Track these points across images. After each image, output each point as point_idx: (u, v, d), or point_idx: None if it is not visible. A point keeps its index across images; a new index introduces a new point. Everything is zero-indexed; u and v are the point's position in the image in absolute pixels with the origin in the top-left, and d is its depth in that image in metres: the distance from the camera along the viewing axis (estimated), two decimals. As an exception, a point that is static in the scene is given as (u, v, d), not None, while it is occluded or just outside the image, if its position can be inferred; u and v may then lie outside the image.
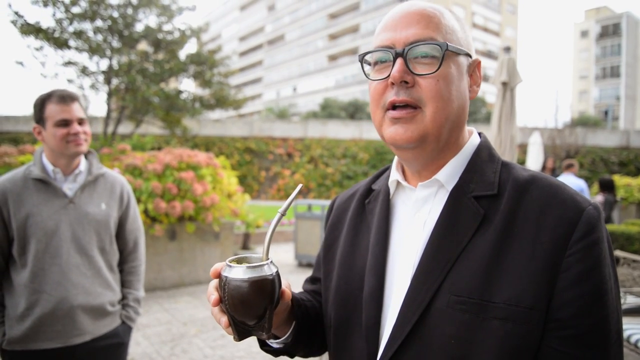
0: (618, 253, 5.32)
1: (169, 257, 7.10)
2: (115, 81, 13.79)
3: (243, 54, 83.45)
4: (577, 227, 0.86)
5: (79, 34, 12.86)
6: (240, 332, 0.95)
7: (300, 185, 0.99)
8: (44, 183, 2.15)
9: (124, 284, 2.44)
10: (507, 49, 7.01)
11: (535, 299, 0.84)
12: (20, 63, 12.96)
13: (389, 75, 0.94)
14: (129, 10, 13.67)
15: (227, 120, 27.98)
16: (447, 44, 0.93)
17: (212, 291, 0.94)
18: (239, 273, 0.88)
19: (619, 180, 15.20)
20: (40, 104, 2.13)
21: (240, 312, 0.90)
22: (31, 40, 12.56)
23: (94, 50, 12.98)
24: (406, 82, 0.93)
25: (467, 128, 1.09)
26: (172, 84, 15.40)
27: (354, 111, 41.43)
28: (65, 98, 2.12)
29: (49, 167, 2.19)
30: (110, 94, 13.81)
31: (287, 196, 23.09)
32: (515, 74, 6.79)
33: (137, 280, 2.49)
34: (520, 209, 0.91)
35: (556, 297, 0.85)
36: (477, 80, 1.05)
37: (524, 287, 0.85)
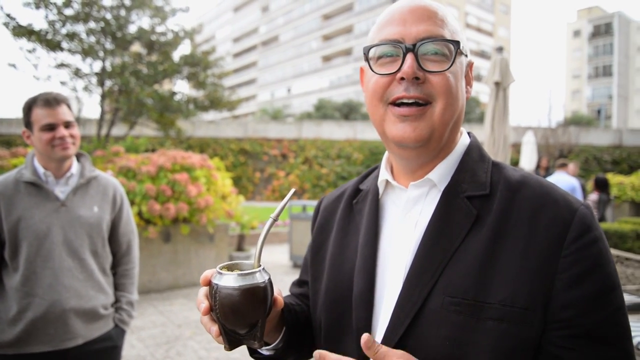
0: (611, 251, 5.35)
1: (164, 259, 7.07)
2: (108, 83, 13.73)
3: (237, 55, 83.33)
4: (571, 227, 0.86)
5: (71, 36, 12.80)
6: (232, 341, 0.92)
7: (293, 190, 0.97)
8: (36, 186, 2.14)
9: (117, 287, 2.42)
10: (500, 49, 7.04)
11: (530, 299, 0.84)
12: (13, 65, 12.87)
13: (398, 70, 0.93)
14: (122, 12, 13.61)
15: (222, 122, 27.92)
16: (459, 42, 0.93)
17: (202, 299, 0.92)
18: (229, 281, 0.86)
19: (612, 178, 15.28)
20: (27, 109, 2.11)
21: (231, 321, 0.87)
22: (24, 43, 12.50)
23: (87, 52, 12.92)
24: (417, 78, 0.92)
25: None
26: (166, 86, 15.35)
27: (348, 112, 41.44)
28: (51, 101, 2.09)
29: (40, 170, 2.17)
30: (103, 96, 13.75)
31: (282, 197, 23.05)
32: (508, 73, 6.82)
33: (131, 283, 2.47)
34: (512, 209, 0.91)
35: (557, 298, 0.84)
36: (470, 80, 1.06)
37: (518, 287, 0.84)
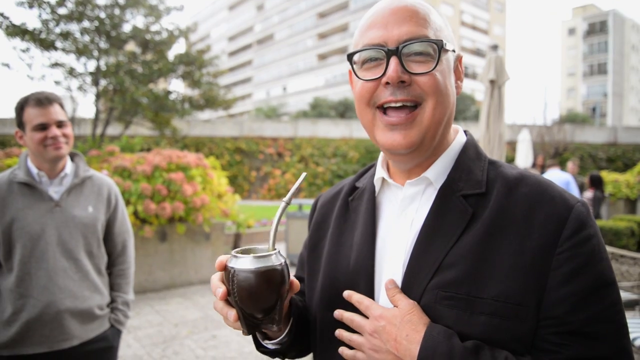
0: (606, 248, 5.37)
1: (160, 258, 7.05)
2: (103, 82, 13.68)
3: (232, 53, 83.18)
4: (566, 224, 0.86)
5: (65, 35, 12.75)
6: (250, 325, 0.91)
7: (304, 174, 0.96)
8: (29, 187, 2.12)
9: (112, 287, 2.41)
10: (495, 47, 7.05)
11: (523, 295, 0.84)
12: (7, 65, 12.80)
13: (382, 75, 0.92)
14: (116, 11, 13.56)
15: (217, 121, 27.86)
16: (442, 42, 0.92)
17: (217, 284, 0.91)
18: (247, 264, 0.85)
19: (607, 176, 15.34)
20: (19, 108, 2.10)
21: (250, 304, 0.87)
22: (17, 42, 12.45)
23: (81, 51, 12.87)
24: (403, 82, 0.91)
25: (453, 126, 1.08)
26: (161, 85, 15.30)
27: (344, 110, 41.41)
28: (43, 101, 2.07)
29: (34, 170, 2.16)
30: (98, 96, 13.70)
31: (278, 196, 23.09)
32: (503, 71, 6.84)
33: (126, 283, 2.46)
34: (509, 206, 0.91)
35: (549, 295, 0.85)
36: (460, 75, 1.05)
37: (512, 283, 0.85)
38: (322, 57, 66.49)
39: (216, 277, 0.93)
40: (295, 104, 64.32)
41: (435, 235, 0.93)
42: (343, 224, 1.13)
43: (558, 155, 23.00)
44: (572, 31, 75.22)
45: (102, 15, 13.31)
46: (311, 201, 9.37)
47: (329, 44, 64.47)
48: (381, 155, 1.13)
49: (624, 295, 4.61)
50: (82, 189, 2.26)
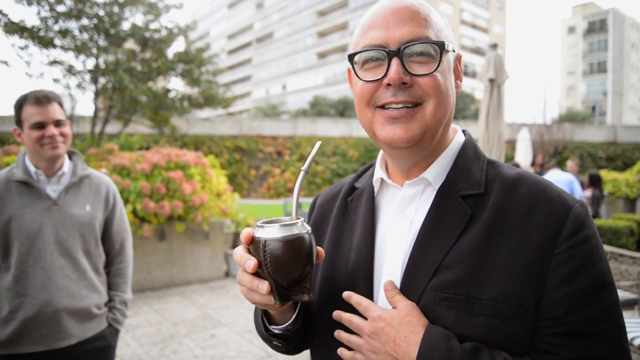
0: (605, 247, 5.37)
1: (159, 257, 7.05)
2: (102, 80, 13.63)
3: (232, 52, 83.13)
4: (565, 225, 0.86)
5: (64, 33, 12.69)
6: (282, 297, 0.90)
7: (319, 143, 0.96)
8: (27, 185, 2.12)
9: (110, 286, 2.41)
10: (494, 46, 7.04)
11: (522, 296, 0.84)
12: (5, 62, 12.76)
13: (384, 76, 0.92)
14: (115, 9, 13.50)
15: (216, 119, 27.82)
16: (444, 43, 0.92)
17: (246, 256, 0.89)
18: (274, 232, 0.85)
19: (607, 175, 15.33)
20: (18, 106, 2.10)
21: (282, 273, 0.86)
22: (15, 39, 12.37)
23: (80, 49, 12.81)
24: (404, 83, 0.91)
25: (452, 126, 1.08)
26: (160, 83, 15.26)
27: (344, 109, 41.39)
28: (41, 99, 2.07)
29: (32, 168, 2.16)
30: (97, 94, 13.65)
31: (277, 195, 23.09)
32: (502, 70, 6.83)
33: (124, 282, 2.46)
34: (507, 207, 0.91)
35: (548, 295, 0.84)
36: (460, 74, 1.05)
37: (510, 284, 0.85)
38: (322, 55, 66.47)
39: (241, 250, 0.91)
40: (295, 102, 64.33)
41: (434, 236, 0.93)
42: (342, 224, 1.13)
43: (557, 154, 23.00)
44: (571, 29, 75.21)
45: (101, 12, 13.25)
46: (310, 200, 9.35)
47: (329, 42, 64.44)
48: (380, 155, 1.12)
49: (623, 295, 4.61)
50: (80, 187, 2.26)
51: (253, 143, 24.60)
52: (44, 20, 12.55)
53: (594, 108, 60.97)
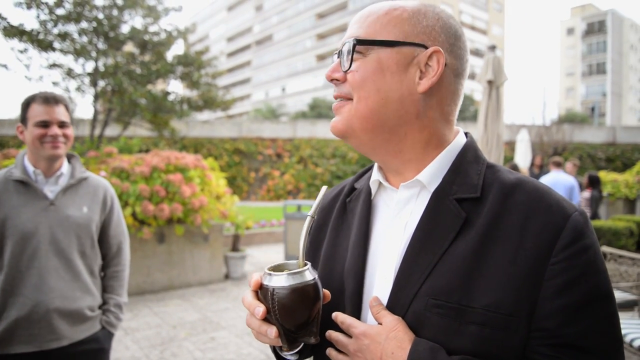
0: (605, 249, 5.37)
1: (158, 260, 7.04)
2: (101, 83, 13.64)
3: (231, 54, 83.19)
4: (562, 234, 0.84)
5: (63, 36, 12.70)
6: (290, 340, 0.93)
7: (325, 187, 1.02)
8: (25, 185, 2.13)
9: (105, 288, 2.41)
10: (492, 48, 7.05)
11: (515, 305, 0.83)
12: (4, 66, 12.77)
13: None
14: (114, 12, 13.51)
15: (216, 122, 27.84)
16: (355, 39, 0.95)
17: (255, 303, 0.91)
18: (282, 281, 0.88)
19: (606, 176, 15.34)
20: (26, 104, 2.14)
21: (289, 319, 0.89)
22: (15, 43, 12.39)
23: (79, 52, 12.82)
24: (337, 80, 0.98)
25: (455, 127, 1.05)
26: (160, 86, 15.26)
27: (343, 111, 41.41)
28: (50, 100, 2.12)
29: (30, 168, 2.17)
30: (96, 97, 13.66)
31: (277, 197, 23.09)
32: (501, 72, 6.84)
33: (120, 285, 2.46)
34: (504, 213, 0.89)
35: (542, 306, 0.83)
36: (428, 71, 0.95)
37: (504, 293, 0.83)
38: (321, 57, 66.50)
39: (250, 296, 0.93)
40: (294, 104, 64.34)
41: (427, 239, 0.92)
42: (340, 225, 1.13)
43: (557, 155, 22.99)
44: (570, 31, 75.30)
45: (100, 16, 13.26)
46: (310, 202, 9.35)
47: (328, 44, 64.48)
48: None
49: (623, 296, 4.60)
50: (77, 189, 2.27)
51: (252, 145, 24.61)
52: (43, 23, 12.56)
53: (593, 109, 61.03)
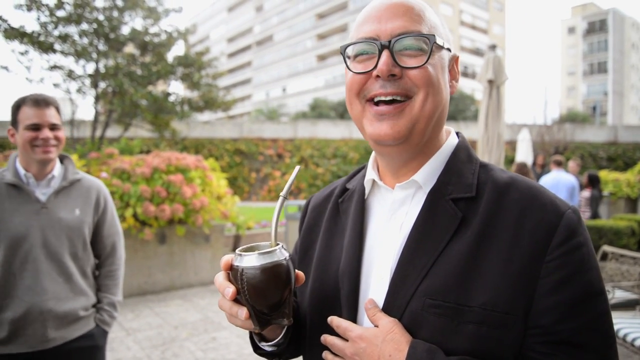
0: (606, 248, 5.36)
1: (159, 260, 7.05)
2: (102, 85, 13.65)
3: (231, 55, 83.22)
4: (556, 232, 0.85)
5: (64, 38, 12.71)
6: (262, 322, 0.92)
7: (297, 167, 0.98)
8: (17, 188, 2.13)
9: (100, 287, 2.42)
10: (493, 47, 7.05)
11: (511, 303, 0.83)
12: (5, 68, 12.78)
13: (374, 68, 0.91)
14: (115, 13, 13.53)
15: (217, 122, 27.86)
16: (434, 37, 0.91)
17: (225, 284, 0.90)
18: (253, 261, 0.86)
19: (608, 175, 15.32)
20: (16, 107, 2.12)
21: (260, 300, 0.88)
22: (16, 45, 12.39)
23: (80, 53, 12.83)
24: (394, 75, 0.91)
25: (445, 128, 1.07)
26: (160, 87, 15.27)
27: (344, 111, 41.36)
28: (40, 102, 2.10)
29: (22, 171, 2.17)
30: (97, 98, 13.67)
31: (278, 197, 23.07)
32: (502, 71, 6.83)
33: (114, 284, 2.46)
34: (499, 211, 0.90)
35: (537, 303, 0.84)
36: (456, 75, 1.04)
37: (500, 292, 0.84)
38: (322, 58, 66.52)
39: (221, 277, 0.92)
40: (295, 105, 64.34)
41: (423, 240, 0.92)
42: (334, 227, 1.12)
43: (558, 155, 22.96)
44: (571, 30, 75.27)
45: (101, 17, 13.27)
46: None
47: (329, 44, 64.48)
48: (372, 156, 1.11)
49: (624, 295, 4.60)
50: (69, 191, 2.27)
51: (253, 146, 24.62)
52: (43, 25, 12.57)
53: (594, 108, 60.93)
